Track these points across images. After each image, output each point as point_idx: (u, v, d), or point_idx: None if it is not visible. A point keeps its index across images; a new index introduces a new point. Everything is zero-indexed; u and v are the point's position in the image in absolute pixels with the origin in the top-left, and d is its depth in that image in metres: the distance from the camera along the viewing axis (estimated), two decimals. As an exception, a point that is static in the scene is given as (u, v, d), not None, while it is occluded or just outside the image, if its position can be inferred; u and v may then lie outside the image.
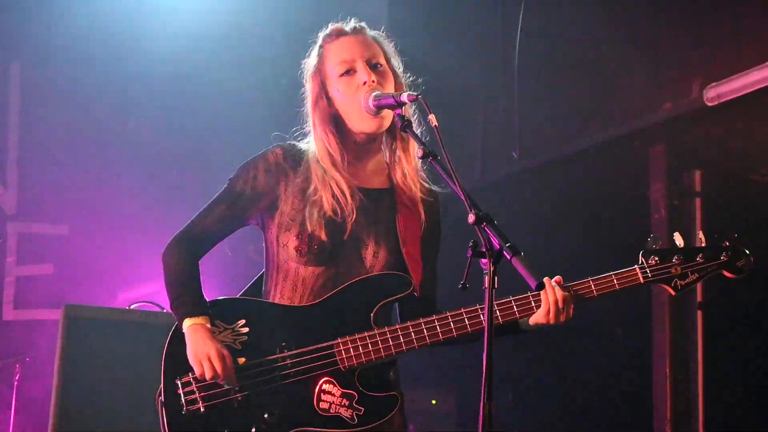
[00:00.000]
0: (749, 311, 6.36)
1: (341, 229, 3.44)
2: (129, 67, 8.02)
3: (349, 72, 3.44)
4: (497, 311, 3.35)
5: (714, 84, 5.61)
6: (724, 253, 3.51)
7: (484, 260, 2.80)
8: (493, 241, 2.80)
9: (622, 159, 6.76)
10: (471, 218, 2.85)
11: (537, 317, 3.40)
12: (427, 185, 3.62)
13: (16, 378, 6.60)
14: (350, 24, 3.55)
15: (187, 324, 3.39)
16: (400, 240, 3.48)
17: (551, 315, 3.36)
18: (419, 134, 3.30)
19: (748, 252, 3.53)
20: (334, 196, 3.44)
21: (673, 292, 3.53)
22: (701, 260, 3.50)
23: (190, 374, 3.37)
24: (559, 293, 3.36)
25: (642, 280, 3.46)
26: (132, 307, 6.46)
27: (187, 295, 3.44)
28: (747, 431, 6.24)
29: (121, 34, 7.97)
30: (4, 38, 7.87)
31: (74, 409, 5.51)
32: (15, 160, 7.98)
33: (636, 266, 3.47)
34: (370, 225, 3.49)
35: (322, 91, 3.49)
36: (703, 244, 3.52)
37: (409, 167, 3.54)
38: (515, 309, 3.39)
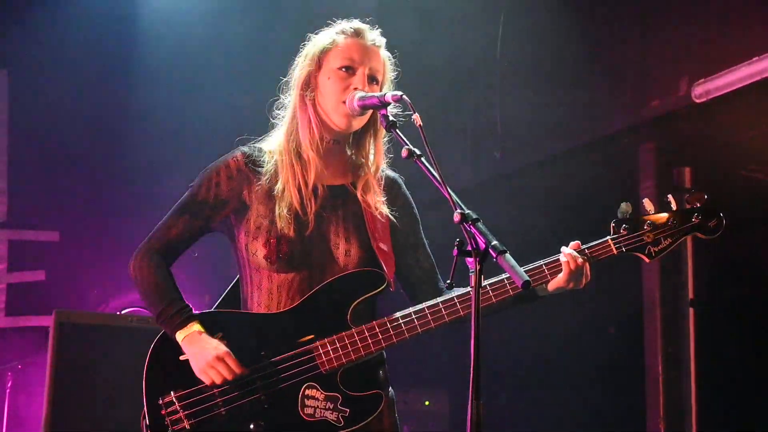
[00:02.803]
0: (741, 308, 6.37)
1: (307, 234, 3.40)
2: (119, 72, 8.02)
3: (349, 70, 3.42)
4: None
5: (702, 81, 5.63)
6: (695, 215, 3.45)
7: (470, 259, 2.78)
8: (479, 240, 2.78)
9: (611, 157, 6.77)
10: (456, 217, 2.84)
11: (558, 283, 3.37)
12: (385, 174, 3.59)
13: (8, 386, 6.58)
14: (375, 33, 3.52)
15: (180, 337, 3.35)
16: (370, 235, 3.45)
17: (574, 280, 3.35)
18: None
19: (720, 212, 3.47)
20: (299, 187, 3.41)
21: (647, 260, 3.48)
22: (672, 225, 3.45)
23: (172, 393, 3.33)
24: (580, 260, 3.35)
25: (615, 251, 3.42)
26: (123, 312, 6.44)
27: (172, 307, 3.39)
28: (740, 428, 6.25)
29: (111, 40, 7.96)
30: (-9, 45, 7.86)
31: (66, 415, 5.49)
32: (5, 167, 7.97)
33: (608, 237, 3.44)
34: (339, 223, 3.46)
35: (318, 70, 3.45)
36: (673, 208, 3.47)
37: (371, 170, 3.52)
38: (506, 288, 3.35)
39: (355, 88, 3.38)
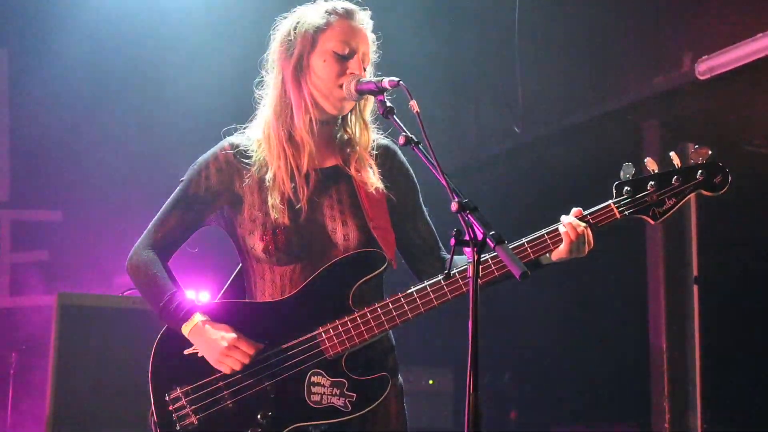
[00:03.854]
0: (745, 285, 6.35)
1: (303, 222, 3.37)
2: (121, 51, 7.97)
3: (345, 53, 3.36)
4: (491, 265, 3.27)
5: (705, 57, 5.59)
6: (699, 172, 3.35)
7: (467, 249, 2.75)
8: (477, 230, 2.75)
9: (615, 133, 6.74)
10: (453, 206, 2.81)
11: (560, 253, 3.32)
12: (379, 143, 3.54)
13: (13, 366, 6.59)
14: (363, 13, 3.46)
15: (186, 330, 3.33)
16: (366, 215, 3.41)
17: (576, 249, 3.30)
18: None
19: (725, 167, 3.37)
20: (291, 174, 3.37)
21: (652, 222, 3.38)
22: (676, 183, 3.34)
23: (178, 389, 3.33)
24: (580, 228, 3.29)
25: (618, 215, 3.34)
26: (126, 293, 6.43)
27: (172, 301, 3.36)
28: (745, 406, 6.24)
29: (111, 20, 7.91)
30: (-8, 25, 7.82)
31: (71, 397, 5.50)
32: (6, 147, 7.94)
33: (610, 201, 3.36)
34: (334, 207, 3.42)
35: (312, 49, 3.39)
36: (677, 166, 3.36)
37: (361, 147, 3.47)
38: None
39: (352, 73, 3.34)
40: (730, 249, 6.56)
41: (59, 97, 7.88)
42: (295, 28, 3.42)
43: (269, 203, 3.35)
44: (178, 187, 3.49)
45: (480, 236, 2.74)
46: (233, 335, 3.29)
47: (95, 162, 7.96)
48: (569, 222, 3.31)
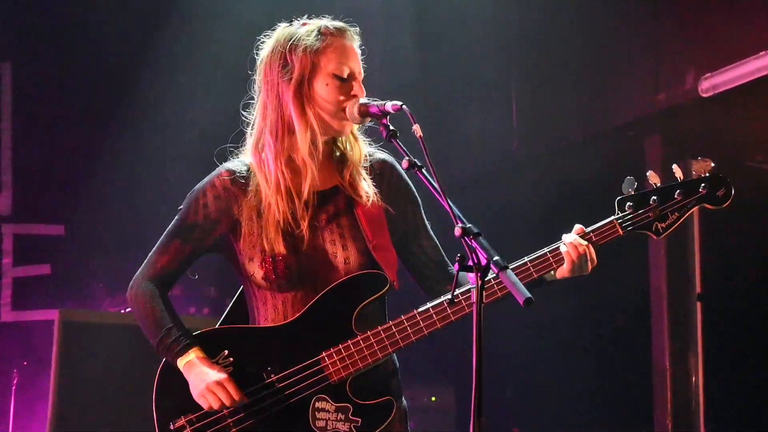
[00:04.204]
0: (749, 302, 6.34)
1: (303, 248, 3.33)
2: (125, 65, 7.97)
3: (346, 78, 3.34)
4: (494, 285, 3.25)
5: (708, 75, 5.59)
6: (702, 185, 3.31)
7: (471, 274, 2.74)
8: (480, 255, 2.74)
9: (617, 149, 6.73)
10: (457, 231, 2.79)
11: (563, 272, 3.30)
12: (375, 157, 3.50)
13: (14, 383, 6.58)
14: (353, 30, 3.42)
15: (181, 364, 3.31)
16: (365, 236, 3.36)
17: (579, 268, 3.28)
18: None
19: (727, 179, 3.32)
20: (291, 199, 3.33)
21: (655, 237, 3.33)
22: (679, 197, 3.30)
23: (183, 417, 3.31)
24: (582, 247, 3.27)
25: (621, 232, 3.30)
26: (128, 310, 6.42)
27: (169, 336, 3.34)
28: (748, 423, 6.23)
29: (116, 33, 7.91)
30: (-5, 38, 7.83)
31: (71, 414, 5.50)
32: (9, 161, 7.94)
33: (612, 218, 3.33)
34: (333, 230, 3.37)
35: (312, 74, 3.34)
36: (679, 179, 3.32)
37: (354, 161, 3.43)
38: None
39: (354, 96, 3.32)
40: (733, 265, 6.55)
41: (63, 110, 7.89)
42: (290, 50, 3.36)
43: (268, 230, 3.32)
44: (176, 216, 3.45)
45: (484, 262, 2.73)
46: (224, 375, 3.26)
47: (98, 176, 7.96)
48: (571, 241, 3.29)
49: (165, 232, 3.45)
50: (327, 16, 3.47)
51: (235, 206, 3.39)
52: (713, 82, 5.57)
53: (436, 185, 2.93)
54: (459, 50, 7.45)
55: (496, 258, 2.73)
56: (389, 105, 3.17)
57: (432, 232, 3.55)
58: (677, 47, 5.88)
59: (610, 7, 6.37)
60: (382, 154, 3.52)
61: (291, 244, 3.32)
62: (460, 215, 2.85)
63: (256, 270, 3.33)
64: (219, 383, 3.25)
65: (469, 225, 2.80)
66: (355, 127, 3.44)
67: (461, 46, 7.45)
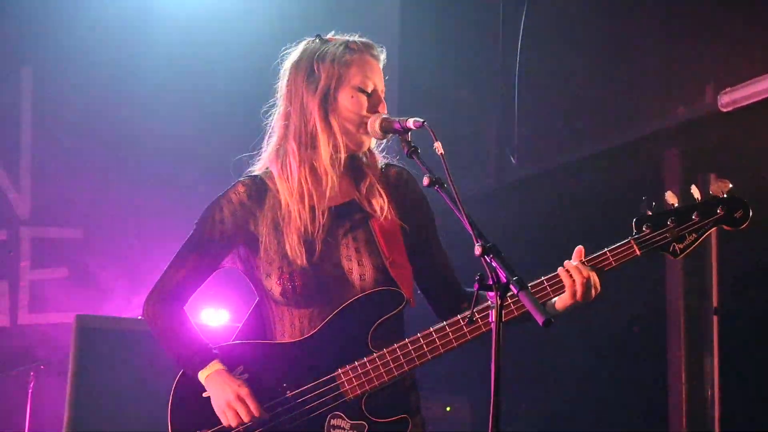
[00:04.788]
0: (765, 316, 6.30)
1: (319, 265, 3.35)
2: (142, 70, 8.00)
3: (369, 90, 3.38)
4: (511, 304, 3.25)
5: (728, 89, 5.56)
6: (719, 207, 3.31)
7: (491, 293, 2.75)
8: (500, 274, 2.75)
9: (635, 163, 6.71)
10: (477, 250, 2.80)
11: (565, 300, 3.29)
12: (391, 171, 3.53)
13: (31, 386, 6.60)
14: (378, 48, 3.47)
15: (203, 377, 3.34)
16: (381, 252, 3.39)
17: (580, 295, 3.26)
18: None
19: (745, 200, 3.33)
20: (309, 212, 3.36)
21: (673, 258, 3.35)
22: (696, 218, 3.30)
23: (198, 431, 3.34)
24: (585, 271, 3.25)
25: (638, 252, 3.30)
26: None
27: (189, 348, 3.37)
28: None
29: (133, 37, 7.95)
30: (15, 43, 7.86)
31: (87, 418, 5.52)
32: (28, 165, 7.99)
33: (630, 238, 3.33)
34: (348, 246, 3.39)
35: (336, 86, 3.38)
36: (697, 200, 3.33)
37: (372, 180, 3.46)
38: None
39: (377, 111, 3.35)
40: (750, 280, 6.51)
41: (82, 114, 7.92)
42: (317, 60, 3.39)
43: (286, 245, 3.34)
44: (192, 231, 3.48)
45: (503, 281, 2.74)
46: (246, 390, 3.28)
47: (117, 180, 8.00)
48: (571, 268, 3.27)
49: (181, 246, 3.48)
50: (353, 34, 3.49)
51: (251, 220, 3.41)
52: (733, 97, 5.54)
53: (457, 203, 2.95)
54: (468, 65, 7.45)
55: (515, 277, 2.74)
56: (411, 121, 3.18)
57: (444, 250, 3.56)
58: (697, 60, 5.86)
59: (628, 18, 6.36)
60: (397, 167, 3.54)
61: (309, 259, 3.33)
62: (481, 233, 2.86)
63: (273, 286, 3.34)
64: (240, 398, 3.26)
65: (490, 243, 2.81)
66: (373, 142, 3.45)
67: (470, 62, 7.45)
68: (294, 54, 3.49)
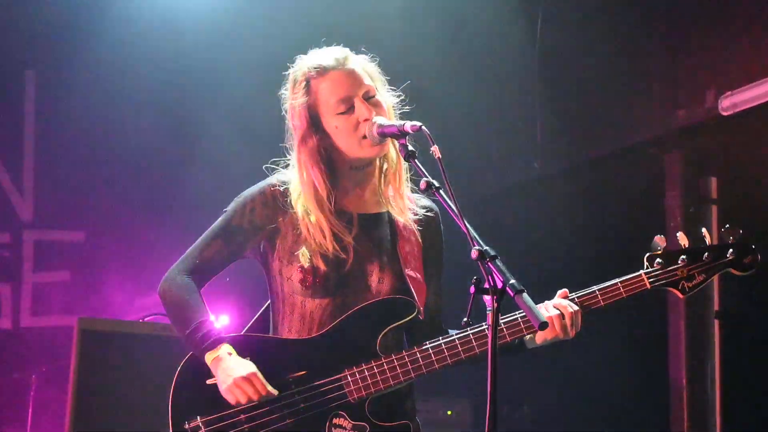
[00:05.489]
0: (766, 319, 6.30)
1: (342, 260, 3.38)
2: (146, 73, 8.00)
3: (348, 110, 3.37)
4: (504, 329, 3.30)
5: (729, 93, 5.59)
6: (729, 251, 3.41)
7: (487, 297, 2.76)
8: (497, 278, 2.75)
9: (637, 166, 6.73)
10: (474, 254, 2.81)
11: (545, 334, 3.34)
12: (423, 204, 3.56)
13: (33, 388, 6.61)
14: (333, 54, 3.44)
15: (210, 359, 3.33)
16: (402, 263, 3.43)
17: (559, 330, 3.32)
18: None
19: (754, 247, 3.42)
20: (335, 215, 3.39)
21: (681, 295, 3.43)
22: (707, 260, 3.40)
23: (198, 418, 3.33)
24: (573, 308, 3.32)
25: (648, 286, 3.38)
26: (146, 319, 6.45)
27: (201, 328, 3.37)
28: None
29: (136, 40, 7.94)
30: (19, 46, 7.87)
31: (88, 422, 5.51)
32: (31, 168, 8.00)
33: (641, 271, 3.39)
34: (372, 251, 3.43)
35: (311, 128, 3.41)
36: (708, 243, 3.42)
37: (398, 189, 3.48)
38: (522, 326, 3.32)
39: (366, 119, 3.34)
40: (751, 283, 6.51)
41: (84, 118, 7.93)
42: (290, 113, 3.46)
43: (311, 240, 3.36)
44: (220, 217, 3.50)
45: (500, 285, 2.75)
46: (252, 370, 3.29)
47: (119, 183, 8.01)
48: (561, 305, 3.33)
49: (207, 231, 3.50)
50: (317, 47, 3.51)
51: (280, 216, 3.45)
52: (734, 101, 5.57)
53: (453, 207, 2.96)
54: (483, 69, 7.46)
55: (512, 281, 2.74)
56: (408, 125, 3.18)
57: (441, 291, 3.60)
58: (698, 65, 5.88)
59: (631, 24, 6.38)
60: (428, 201, 3.58)
61: (332, 256, 3.37)
62: (477, 237, 2.87)
63: (294, 273, 3.38)
64: (246, 378, 3.27)
65: (486, 248, 2.82)
66: (393, 152, 3.45)
67: (485, 65, 7.46)
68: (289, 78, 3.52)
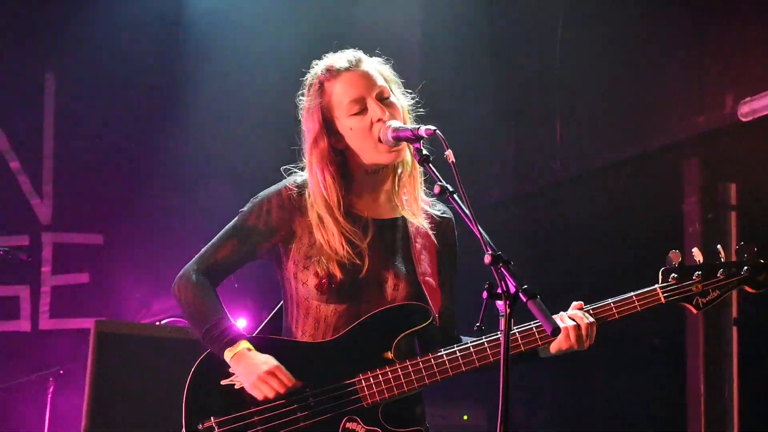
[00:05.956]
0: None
1: (357, 266, 3.38)
2: (163, 77, 8.04)
3: (362, 111, 3.37)
4: (519, 338, 3.31)
5: (748, 99, 5.56)
6: (744, 268, 3.42)
7: (500, 302, 2.75)
8: (509, 283, 2.74)
9: (656, 172, 6.70)
10: (487, 259, 2.79)
11: (559, 345, 3.34)
12: (438, 209, 3.56)
13: (50, 391, 6.63)
14: (346, 56, 3.44)
15: (229, 356, 3.33)
16: (417, 269, 3.42)
17: (574, 341, 3.32)
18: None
19: None
20: (350, 220, 3.39)
21: (695, 311, 3.46)
22: (722, 276, 3.42)
23: (212, 418, 3.32)
24: (589, 320, 3.33)
25: (663, 300, 3.40)
26: (163, 322, 6.47)
27: (219, 326, 3.37)
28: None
29: (156, 44, 7.99)
30: (39, 49, 7.91)
31: (105, 424, 5.53)
32: (50, 171, 8.04)
33: (656, 286, 3.41)
34: (388, 257, 3.42)
35: (323, 130, 3.39)
36: (722, 259, 3.44)
37: (413, 193, 3.47)
38: (537, 336, 3.32)
39: (379, 120, 3.34)
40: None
41: (104, 121, 7.96)
42: (304, 116, 3.46)
43: (327, 245, 3.35)
44: (236, 218, 3.50)
45: (513, 290, 2.74)
46: (275, 363, 3.29)
47: (137, 186, 8.04)
48: (577, 315, 3.34)
49: (222, 231, 3.50)
50: (330, 53, 3.50)
51: (297, 217, 3.44)
52: (753, 107, 5.55)
53: (467, 211, 2.95)
54: (502, 72, 7.46)
55: (524, 286, 2.73)
56: (423, 129, 3.17)
57: (453, 296, 3.59)
58: (717, 71, 5.86)
59: (650, 29, 6.36)
60: (443, 206, 3.58)
61: (348, 261, 3.36)
62: (490, 242, 2.86)
63: (309, 278, 3.37)
64: (271, 372, 3.28)
65: (499, 252, 2.81)
66: (409, 156, 3.43)
67: (505, 68, 7.46)
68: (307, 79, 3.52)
